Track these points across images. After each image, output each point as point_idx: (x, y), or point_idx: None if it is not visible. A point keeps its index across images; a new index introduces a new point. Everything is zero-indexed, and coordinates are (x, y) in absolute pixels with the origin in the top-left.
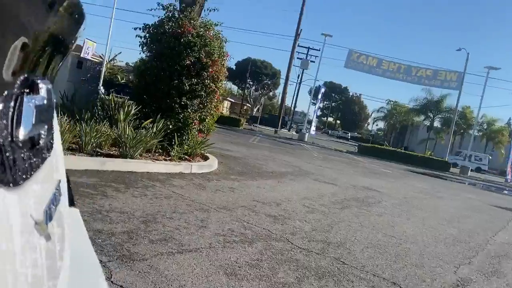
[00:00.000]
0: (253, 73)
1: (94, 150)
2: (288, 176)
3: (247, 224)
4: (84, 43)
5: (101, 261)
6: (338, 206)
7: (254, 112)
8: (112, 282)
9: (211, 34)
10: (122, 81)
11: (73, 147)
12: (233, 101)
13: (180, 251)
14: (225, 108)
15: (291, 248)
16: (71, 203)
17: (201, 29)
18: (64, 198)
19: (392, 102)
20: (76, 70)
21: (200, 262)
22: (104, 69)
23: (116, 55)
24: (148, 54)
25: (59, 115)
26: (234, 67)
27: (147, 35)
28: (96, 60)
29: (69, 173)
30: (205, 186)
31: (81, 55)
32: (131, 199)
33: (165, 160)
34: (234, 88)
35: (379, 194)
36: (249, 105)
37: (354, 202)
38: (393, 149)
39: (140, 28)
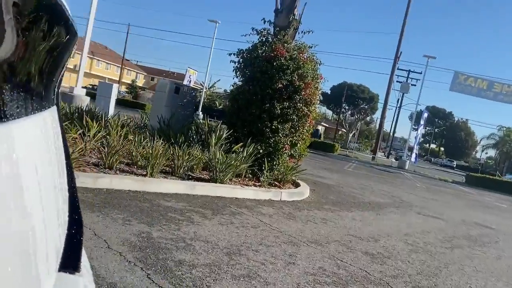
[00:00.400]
0: (349, 97)
1: (185, 173)
2: (387, 208)
3: (341, 262)
4: (186, 72)
5: None
6: (447, 245)
7: (349, 138)
8: None
9: (305, 56)
10: (220, 107)
11: (166, 170)
12: (327, 126)
13: None
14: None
15: None
16: (74, 267)
17: (295, 52)
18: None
19: (505, 128)
20: (173, 95)
21: None
22: (203, 95)
23: (215, 83)
24: (241, 79)
25: (156, 138)
26: (329, 92)
27: (241, 59)
28: (197, 87)
29: (159, 196)
30: (295, 215)
31: (184, 83)
32: (217, 227)
33: (255, 185)
34: (329, 112)
35: (494, 232)
36: (344, 130)
37: (465, 240)
38: (508, 180)
39: (234, 54)
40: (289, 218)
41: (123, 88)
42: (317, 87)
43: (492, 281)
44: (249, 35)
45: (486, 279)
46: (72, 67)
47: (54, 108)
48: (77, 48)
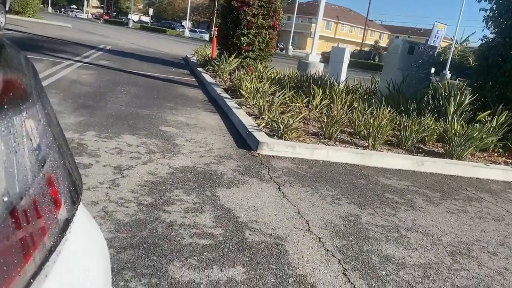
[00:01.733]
0: None
1: (414, 146)
2: None
3: None
4: (433, 26)
5: None
6: None
7: None
8: None
9: None
10: (474, 64)
11: (391, 141)
12: None
13: None
14: None
15: None
16: None
17: None
18: None
19: None
20: (407, 56)
21: None
22: (452, 52)
23: (469, 36)
24: (493, 30)
25: (383, 105)
26: None
27: (494, 6)
28: (445, 43)
29: (379, 172)
30: None
31: (430, 40)
32: (444, 216)
33: (506, 163)
34: None
35: None
36: None
37: None
38: None
39: (485, 0)
40: None
41: (366, 49)
42: None
43: None
44: None
45: None
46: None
47: None
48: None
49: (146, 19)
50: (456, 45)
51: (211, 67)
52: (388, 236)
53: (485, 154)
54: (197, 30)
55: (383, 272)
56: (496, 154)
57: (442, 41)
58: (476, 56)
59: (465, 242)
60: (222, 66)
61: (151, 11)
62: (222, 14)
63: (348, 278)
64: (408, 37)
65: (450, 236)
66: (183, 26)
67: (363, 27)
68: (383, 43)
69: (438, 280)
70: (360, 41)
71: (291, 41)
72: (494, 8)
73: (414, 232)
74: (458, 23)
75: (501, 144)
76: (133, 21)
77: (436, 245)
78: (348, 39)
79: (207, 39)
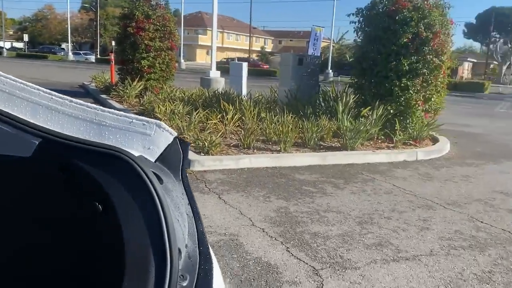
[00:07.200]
0: (499, 24)
1: (316, 144)
2: None
3: (481, 224)
4: (312, 30)
5: (314, 268)
6: None
7: (503, 71)
8: None
9: (430, 2)
10: (350, 59)
11: (298, 143)
12: (475, 61)
13: (395, 259)
14: (465, 70)
15: None
16: None
17: (418, 0)
18: None
19: None
20: (297, 67)
21: (417, 274)
22: (331, 51)
23: (343, 35)
24: (362, 39)
25: (285, 113)
26: (474, 21)
27: (361, 19)
28: (325, 43)
29: (293, 170)
30: (432, 175)
31: (310, 42)
32: (349, 197)
33: (388, 148)
34: (476, 45)
35: None
36: (496, 63)
37: None
38: None
39: (353, 14)
40: (425, 179)
41: (254, 56)
42: (448, 33)
43: None
44: None
45: None
46: (206, 45)
47: None
48: (207, 28)
49: (19, 45)
50: (333, 44)
51: (116, 93)
52: (312, 218)
53: (371, 142)
54: (81, 52)
55: (315, 244)
56: (379, 141)
57: (322, 41)
58: (353, 62)
59: (367, 213)
60: (127, 91)
61: (26, 37)
62: (118, 40)
63: (291, 253)
64: (290, 40)
65: (356, 210)
66: (64, 49)
67: (248, 34)
68: (268, 48)
69: (354, 242)
70: (247, 48)
71: (181, 54)
72: (361, 21)
73: (330, 212)
74: (333, 24)
75: (382, 133)
76: (6, 49)
77: (347, 218)
78: (235, 47)
79: (93, 61)
